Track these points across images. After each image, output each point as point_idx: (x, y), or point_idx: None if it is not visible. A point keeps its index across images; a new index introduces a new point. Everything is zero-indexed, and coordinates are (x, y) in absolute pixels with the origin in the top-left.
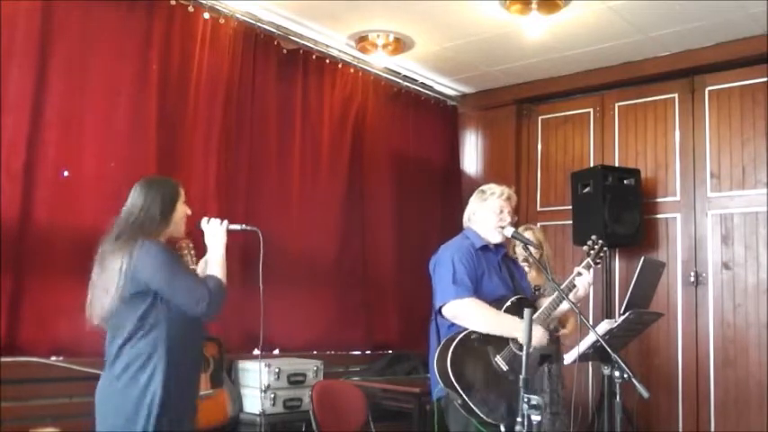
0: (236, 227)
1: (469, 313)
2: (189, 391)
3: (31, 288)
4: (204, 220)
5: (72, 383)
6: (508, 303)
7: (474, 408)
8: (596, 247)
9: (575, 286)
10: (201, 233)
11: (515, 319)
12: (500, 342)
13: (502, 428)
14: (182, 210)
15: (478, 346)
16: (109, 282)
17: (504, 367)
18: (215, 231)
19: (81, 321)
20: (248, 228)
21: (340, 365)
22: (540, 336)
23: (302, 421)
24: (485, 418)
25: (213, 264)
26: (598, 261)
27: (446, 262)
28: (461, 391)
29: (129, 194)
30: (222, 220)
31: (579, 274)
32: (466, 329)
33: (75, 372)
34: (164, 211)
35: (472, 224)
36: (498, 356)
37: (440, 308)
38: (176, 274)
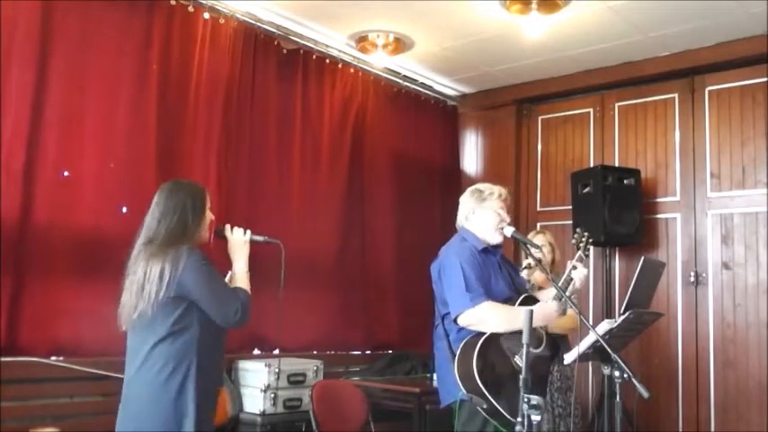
0: (259, 238)
1: (489, 317)
2: (213, 393)
3: (31, 288)
4: (227, 229)
5: (72, 383)
6: (518, 302)
7: (501, 410)
8: (583, 239)
9: (572, 279)
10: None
11: (532, 306)
12: (516, 342)
13: (517, 426)
14: (208, 215)
15: (497, 348)
16: (141, 285)
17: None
18: (239, 243)
19: (81, 321)
20: (270, 240)
21: (340, 365)
22: (548, 309)
23: (302, 421)
24: (510, 418)
25: (239, 276)
26: (587, 252)
27: (454, 268)
28: (489, 395)
29: (154, 198)
30: (245, 230)
31: (574, 267)
32: (479, 333)
33: (76, 372)
34: (195, 217)
35: (469, 225)
36: (517, 356)
37: (455, 317)
38: (215, 287)
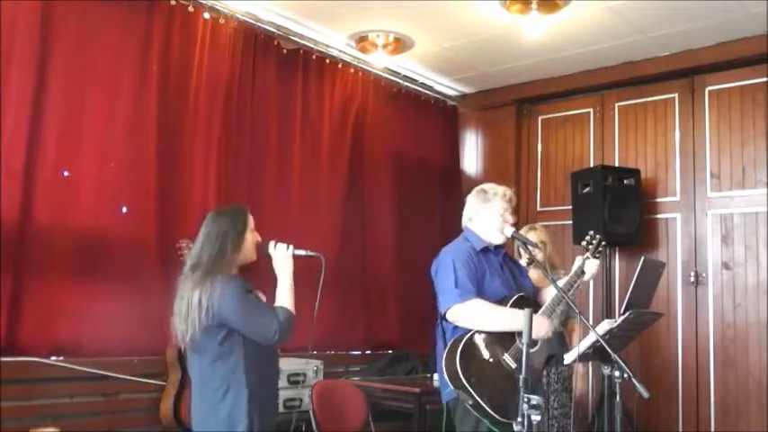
0: (302, 252)
1: (475, 314)
2: (271, 405)
3: (31, 288)
4: (271, 245)
5: (72, 383)
6: (511, 302)
7: (486, 407)
8: (594, 241)
9: (583, 272)
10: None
11: (521, 311)
12: (507, 340)
13: (515, 426)
14: (250, 238)
15: (486, 345)
16: (186, 312)
17: (513, 365)
18: (283, 259)
19: (81, 321)
20: (312, 254)
21: (340, 365)
22: (545, 326)
23: (302, 421)
24: (497, 417)
25: (282, 293)
26: (597, 255)
27: (447, 266)
28: (473, 392)
29: (201, 225)
30: (288, 245)
31: (587, 257)
32: (470, 330)
33: (76, 372)
34: (234, 241)
35: (473, 225)
36: (506, 354)
37: (444, 313)
38: (251, 312)
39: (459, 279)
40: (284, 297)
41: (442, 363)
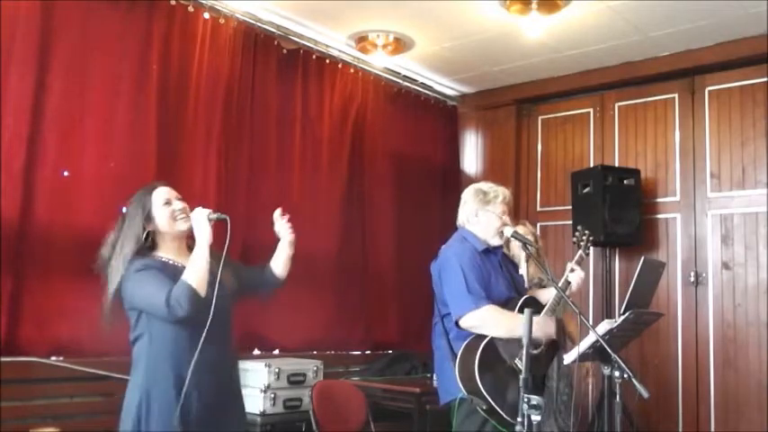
0: (213, 216)
1: (490, 321)
2: (195, 393)
3: (31, 288)
4: (180, 209)
5: (72, 383)
6: (519, 305)
7: (501, 412)
8: (584, 237)
9: (569, 283)
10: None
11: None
12: (515, 345)
13: (516, 426)
14: (162, 213)
15: (497, 350)
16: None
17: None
18: (199, 223)
19: (81, 321)
20: (221, 216)
21: (340, 365)
22: (551, 326)
23: (302, 421)
24: (509, 419)
25: (190, 263)
26: (587, 251)
27: (454, 269)
28: (488, 397)
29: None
30: (205, 209)
31: (572, 270)
32: (478, 335)
33: (76, 372)
34: (134, 227)
35: (470, 225)
36: (516, 359)
37: (457, 319)
38: (142, 287)
39: (470, 284)
40: (189, 268)
41: (449, 365)
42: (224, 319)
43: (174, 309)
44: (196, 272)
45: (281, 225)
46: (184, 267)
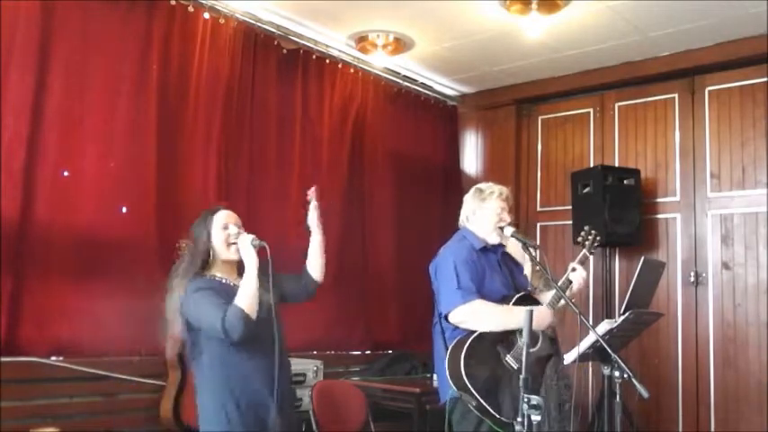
0: (256, 242)
1: (479, 315)
2: (255, 405)
3: (31, 288)
4: (241, 237)
5: (72, 383)
6: (513, 301)
7: (489, 409)
8: (590, 237)
9: (570, 282)
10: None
11: (524, 308)
12: (509, 341)
13: (516, 426)
14: (219, 236)
15: (488, 346)
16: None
17: (515, 365)
18: (245, 249)
19: (81, 321)
20: (261, 243)
21: (340, 365)
22: (548, 317)
23: (302, 421)
24: (501, 418)
25: (240, 287)
26: (593, 251)
27: (447, 266)
28: (476, 394)
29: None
30: (251, 235)
31: (573, 269)
32: (472, 331)
33: (76, 372)
34: (201, 247)
35: (470, 224)
36: (509, 355)
37: (446, 314)
38: (199, 308)
39: (461, 280)
40: (240, 292)
41: (444, 364)
42: (280, 334)
43: (230, 332)
44: (247, 297)
45: (312, 219)
46: (237, 287)
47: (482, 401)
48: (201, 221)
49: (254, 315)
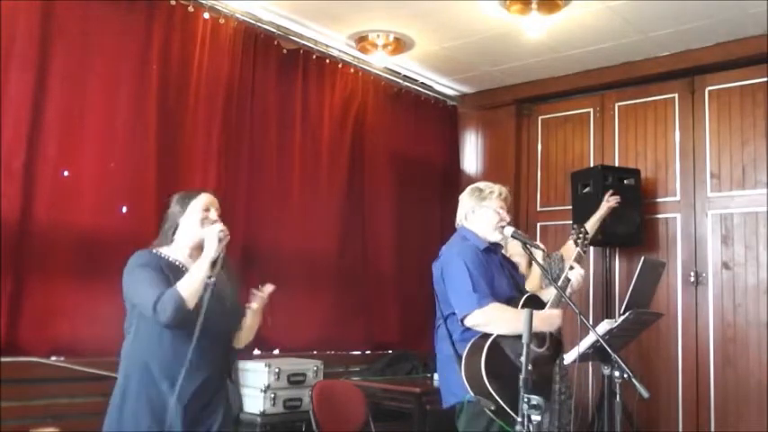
0: (223, 235)
1: (496, 319)
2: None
3: (31, 288)
4: (213, 218)
5: (72, 383)
6: (522, 303)
7: (511, 412)
8: (581, 235)
9: (569, 281)
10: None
11: (537, 313)
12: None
13: (517, 426)
14: (196, 215)
15: (502, 348)
16: None
17: (530, 367)
18: (209, 239)
19: (81, 321)
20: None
21: (340, 365)
22: (557, 319)
23: (302, 421)
24: (519, 418)
25: (188, 273)
26: (585, 249)
27: (459, 268)
28: (499, 399)
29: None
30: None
31: (571, 267)
32: (483, 334)
33: (76, 372)
34: (171, 220)
35: (468, 224)
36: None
37: (462, 318)
38: (136, 284)
39: (475, 282)
40: (185, 278)
41: (455, 368)
42: (217, 334)
43: (159, 314)
44: (191, 283)
45: (255, 306)
46: (185, 270)
47: (504, 405)
48: (182, 197)
49: (191, 303)
